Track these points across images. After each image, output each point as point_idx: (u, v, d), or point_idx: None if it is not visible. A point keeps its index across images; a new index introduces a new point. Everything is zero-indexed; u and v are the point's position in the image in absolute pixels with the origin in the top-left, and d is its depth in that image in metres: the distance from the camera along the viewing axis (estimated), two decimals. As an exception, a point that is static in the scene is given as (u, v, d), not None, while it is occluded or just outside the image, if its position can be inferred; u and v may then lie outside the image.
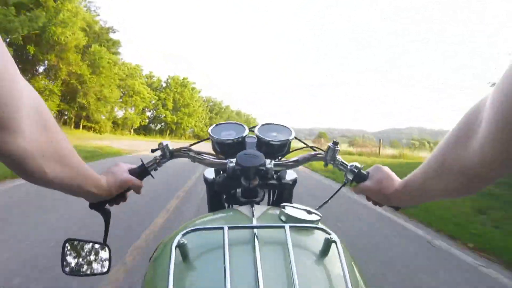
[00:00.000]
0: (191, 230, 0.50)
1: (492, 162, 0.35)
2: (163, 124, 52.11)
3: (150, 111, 50.27)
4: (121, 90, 40.23)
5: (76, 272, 0.66)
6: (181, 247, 0.46)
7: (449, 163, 0.42)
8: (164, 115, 50.14)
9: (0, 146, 0.34)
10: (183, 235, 0.48)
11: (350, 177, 0.74)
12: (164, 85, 51.94)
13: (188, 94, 52.26)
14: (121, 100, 40.32)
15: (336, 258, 0.46)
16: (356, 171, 0.73)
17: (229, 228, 0.49)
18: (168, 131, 52.01)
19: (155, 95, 48.29)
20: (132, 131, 45.71)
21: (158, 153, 0.79)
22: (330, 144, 0.78)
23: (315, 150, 0.84)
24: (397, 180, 0.66)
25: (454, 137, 0.41)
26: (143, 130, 49.06)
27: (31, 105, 0.37)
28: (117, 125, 41.10)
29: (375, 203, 0.73)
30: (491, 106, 0.32)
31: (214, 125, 0.89)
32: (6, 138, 0.34)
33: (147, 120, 50.36)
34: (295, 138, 0.88)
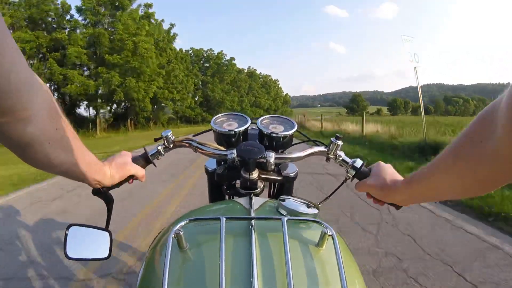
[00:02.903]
0: (189, 220, 0.50)
1: (505, 164, 0.33)
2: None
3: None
4: None
5: (77, 256, 0.67)
6: (178, 236, 0.46)
7: (461, 162, 0.40)
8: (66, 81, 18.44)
9: (12, 133, 0.35)
10: (181, 225, 0.48)
11: (351, 173, 0.72)
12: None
13: (131, 25, 20.22)
14: None
15: (333, 252, 0.46)
16: (358, 167, 0.71)
17: (227, 219, 0.49)
18: (90, 122, 21.10)
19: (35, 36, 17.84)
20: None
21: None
22: (332, 138, 0.76)
23: (318, 144, 0.82)
24: (399, 177, 0.64)
25: (469, 137, 0.39)
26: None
27: (41, 95, 0.37)
28: None
29: (376, 201, 0.70)
30: (506, 108, 0.30)
31: (216, 116, 0.87)
32: (18, 126, 0.35)
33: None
34: (298, 131, 0.85)
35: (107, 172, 0.63)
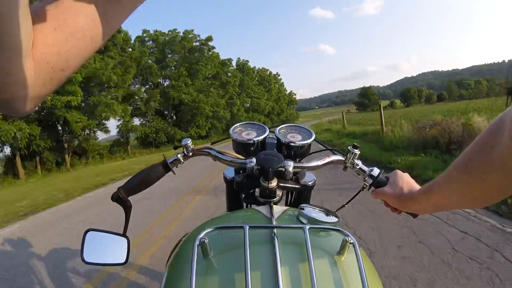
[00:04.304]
0: (213, 228, 0.50)
1: (511, 173, 0.34)
2: None
3: None
4: None
5: (94, 261, 0.66)
6: (202, 245, 0.46)
7: (471, 170, 0.41)
8: None
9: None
10: (206, 233, 0.48)
11: (368, 182, 0.73)
12: None
13: None
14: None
15: (353, 260, 0.47)
16: (375, 176, 0.72)
17: (250, 227, 0.49)
18: None
19: None
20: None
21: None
22: (350, 147, 0.77)
23: (335, 153, 0.82)
24: (417, 186, 0.64)
25: (478, 145, 0.40)
26: None
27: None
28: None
29: (393, 209, 0.70)
30: None
31: (235, 125, 0.90)
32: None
33: None
34: (315, 140, 0.86)
35: None
